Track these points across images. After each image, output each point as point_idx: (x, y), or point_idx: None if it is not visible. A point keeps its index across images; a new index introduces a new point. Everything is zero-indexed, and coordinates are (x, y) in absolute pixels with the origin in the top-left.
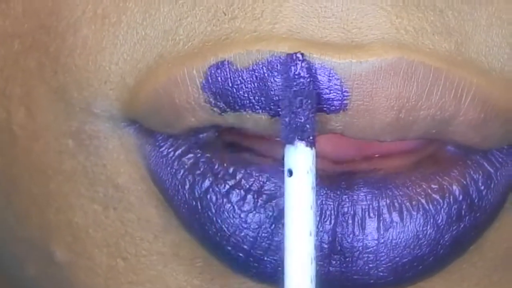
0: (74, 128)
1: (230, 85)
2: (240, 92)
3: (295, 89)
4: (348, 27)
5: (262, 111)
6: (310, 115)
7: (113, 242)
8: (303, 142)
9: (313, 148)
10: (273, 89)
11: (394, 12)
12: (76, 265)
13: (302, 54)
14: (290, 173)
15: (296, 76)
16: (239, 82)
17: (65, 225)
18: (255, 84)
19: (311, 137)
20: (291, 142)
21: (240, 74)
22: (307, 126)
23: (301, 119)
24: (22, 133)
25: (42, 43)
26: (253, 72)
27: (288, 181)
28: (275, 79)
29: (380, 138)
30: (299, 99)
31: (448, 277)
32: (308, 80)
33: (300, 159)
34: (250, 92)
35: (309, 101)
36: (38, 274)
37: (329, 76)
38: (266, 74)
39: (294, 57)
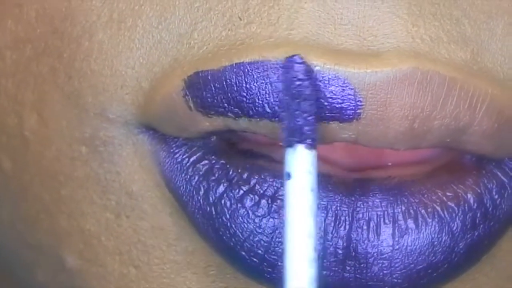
0: (87, 134)
1: (245, 91)
2: (255, 99)
3: (293, 91)
4: (364, 34)
5: (276, 118)
6: (309, 117)
7: (125, 250)
8: (303, 144)
9: (313, 150)
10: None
11: (410, 21)
12: (88, 273)
13: (301, 57)
14: (288, 175)
15: (294, 79)
16: (253, 88)
17: (76, 232)
18: (269, 91)
19: (310, 140)
20: (290, 145)
21: (256, 80)
22: (306, 128)
23: (299, 121)
24: (34, 139)
25: (56, 48)
26: (268, 79)
27: (287, 183)
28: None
29: (393, 147)
30: (297, 101)
31: (461, 287)
32: (307, 82)
33: (299, 161)
34: (264, 99)
35: (307, 104)
36: (47, 280)
37: (343, 86)
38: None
39: (293, 60)
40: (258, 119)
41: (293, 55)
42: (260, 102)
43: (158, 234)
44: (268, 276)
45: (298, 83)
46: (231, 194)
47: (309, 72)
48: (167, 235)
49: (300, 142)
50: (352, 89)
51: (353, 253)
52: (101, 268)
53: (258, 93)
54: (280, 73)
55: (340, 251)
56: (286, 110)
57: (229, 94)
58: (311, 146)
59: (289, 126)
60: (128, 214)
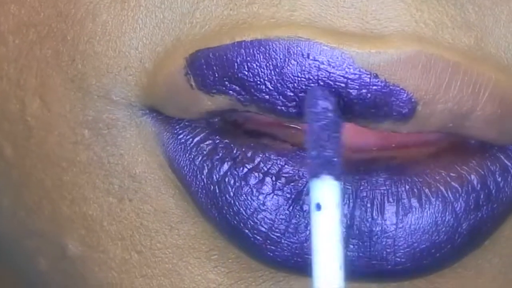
0: (91, 117)
1: (246, 69)
2: (256, 77)
3: (323, 122)
4: (367, 18)
5: (278, 96)
6: (338, 148)
7: (128, 235)
8: (332, 176)
9: (340, 182)
10: (289, 75)
11: (414, 5)
12: (90, 259)
13: (327, 86)
14: (319, 207)
15: (324, 110)
16: (255, 66)
17: (79, 218)
18: (271, 70)
19: (338, 171)
20: (318, 176)
21: (257, 58)
22: (335, 160)
23: (329, 152)
24: (36, 124)
25: (59, 31)
26: (269, 58)
27: (317, 215)
28: (292, 65)
29: (396, 130)
30: (327, 133)
31: (463, 273)
32: (335, 114)
33: (329, 194)
34: (266, 77)
35: (336, 135)
36: (49, 268)
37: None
38: (283, 60)
39: (320, 91)
40: (260, 97)
41: (319, 86)
42: (261, 80)
43: (160, 217)
44: (271, 254)
45: (328, 114)
46: (235, 172)
47: (338, 103)
48: (170, 218)
49: (329, 173)
50: (356, 68)
51: (357, 232)
52: (103, 254)
53: (259, 71)
54: (307, 103)
55: (343, 229)
56: (314, 140)
57: (229, 72)
58: (339, 178)
59: (318, 157)
60: (131, 197)
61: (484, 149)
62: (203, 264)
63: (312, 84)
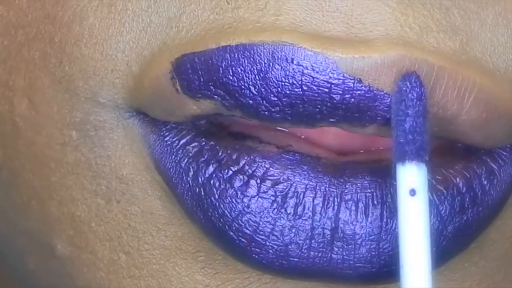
0: (78, 119)
1: (231, 73)
2: (241, 82)
3: (416, 109)
4: (352, 22)
5: (262, 101)
6: (427, 134)
7: (115, 236)
8: (423, 162)
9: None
10: (273, 80)
11: (399, 9)
12: (78, 259)
13: (417, 75)
14: (413, 192)
15: (417, 97)
16: (239, 70)
17: (67, 218)
18: (255, 75)
19: (427, 157)
20: (411, 161)
21: (242, 63)
22: (425, 145)
23: (424, 138)
24: (24, 125)
25: (47, 33)
26: (254, 62)
27: (410, 200)
28: (276, 70)
29: (380, 134)
30: (420, 119)
31: (450, 276)
32: (426, 101)
33: (421, 179)
34: (250, 82)
35: (427, 121)
36: (38, 267)
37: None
38: (267, 65)
39: (414, 78)
40: (244, 102)
41: (410, 73)
42: (246, 84)
43: (148, 219)
44: (256, 257)
45: (423, 102)
46: (220, 175)
47: (424, 88)
48: (157, 219)
49: (421, 159)
50: (340, 73)
51: (341, 234)
52: (91, 254)
53: (244, 75)
54: (397, 90)
55: (328, 232)
56: (410, 126)
57: (214, 77)
58: (428, 164)
59: (413, 142)
60: (119, 199)
61: (470, 152)
62: (190, 265)
63: (296, 90)
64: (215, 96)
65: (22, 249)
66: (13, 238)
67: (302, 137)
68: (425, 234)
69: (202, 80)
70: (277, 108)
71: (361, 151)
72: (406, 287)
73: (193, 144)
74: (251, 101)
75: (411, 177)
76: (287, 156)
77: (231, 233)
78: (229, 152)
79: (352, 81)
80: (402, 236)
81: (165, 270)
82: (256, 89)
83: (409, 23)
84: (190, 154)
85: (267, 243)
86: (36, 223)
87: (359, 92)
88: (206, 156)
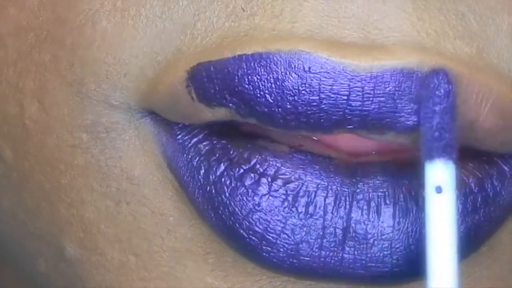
0: (89, 121)
1: (247, 82)
2: (257, 90)
3: (444, 105)
4: (369, 28)
5: (277, 109)
6: (456, 132)
7: (125, 238)
8: (451, 159)
9: (457, 165)
10: (290, 88)
11: (415, 15)
12: (87, 261)
13: (446, 71)
14: (439, 190)
15: (446, 93)
16: (255, 79)
17: (76, 220)
18: (272, 83)
19: (456, 154)
20: (439, 158)
21: (258, 72)
22: (454, 143)
23: (451, 135)
24: (34, 128)
25: (58, 36)
26: (270, 71)
27: (436, 198)
28: (292, 78)
29: (399, 141)
30: (448, 116)
31: (461, 280)
32: (454, 97)
33: (449, 176)
34: (266, 90)
35: (454, 118)
36: (48, 269)
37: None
38: (284, 73)
39: (442, 75)
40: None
41: (438, 70)
42: (262, 93)
43: (158, 220)
44: (266, 255)
45: (450, 98)
46: (231, 173)
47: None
48: (167, 220)
49: (449, 157)
50: (359, 81)
51: (353, 234)
52: (100, 256)
53: (260, 84)
54: (425, 86)
55: (339, 231)
56: (438, 123)
57: (230, 86)
58: (456, 161)
59: (440, 139)
60: (129, 200)
61: (482, 153)
62: (200, 267)
63: (313, 97)
64: (230, 104)
65: (33, 251)
66: (24, 240)
67: (314, 138)
68: (452, 232)
69: (217, 88)
70: (293, 115)
71: (373, 152)
72: (433, 284)
73: (205, 143)
74: (266, 109)
75: (438, 175)
76: (299, 156)
77: (242, 231)
78: (240, 150)
79: (372, 87)
80: (429, 233)
81: (175, 273)
82: (272, 98)
83: (426, 28)
84: (202, 153)
85: (278, 242)
86: (46, 225)
87: (378, 99)
88: (217, 155)
